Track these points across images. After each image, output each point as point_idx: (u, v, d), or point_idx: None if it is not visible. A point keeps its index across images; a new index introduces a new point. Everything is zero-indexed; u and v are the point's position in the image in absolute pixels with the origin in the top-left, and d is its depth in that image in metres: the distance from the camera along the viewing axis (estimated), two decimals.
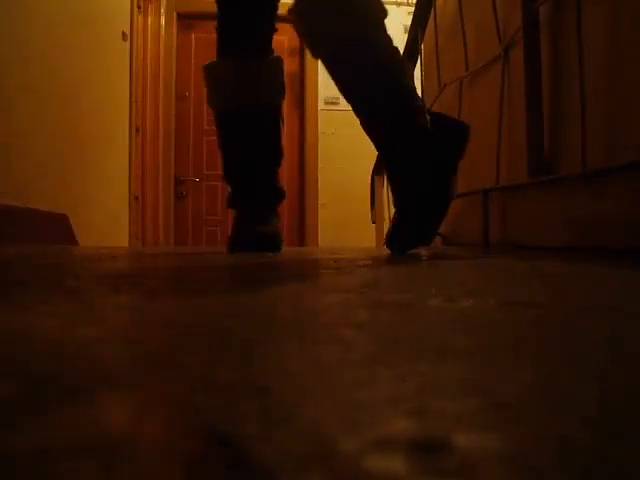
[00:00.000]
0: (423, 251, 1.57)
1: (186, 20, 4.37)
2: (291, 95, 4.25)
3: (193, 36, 4.40)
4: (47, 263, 1.03)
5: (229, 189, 1.59)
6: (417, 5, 2.41)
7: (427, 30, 2.40)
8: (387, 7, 1.36)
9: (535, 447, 0.16)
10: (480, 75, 1.94)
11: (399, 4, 4.12)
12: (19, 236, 1.95)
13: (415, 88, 1.39)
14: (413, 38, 2.44)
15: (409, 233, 1.35)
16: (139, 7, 3.86)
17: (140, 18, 3.90)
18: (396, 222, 1.36)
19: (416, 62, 2.49)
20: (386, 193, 2.96)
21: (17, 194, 2.05)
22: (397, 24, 1.42)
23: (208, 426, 0.17)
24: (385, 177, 2.95)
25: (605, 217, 1.25)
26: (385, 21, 1.33)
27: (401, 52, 1.42)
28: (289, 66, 1.60)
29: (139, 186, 3.88)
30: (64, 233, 2.40)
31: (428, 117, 1.33)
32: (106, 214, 3.11)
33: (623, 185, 1.20)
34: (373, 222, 3.04)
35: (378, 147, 1.39)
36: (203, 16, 4.32)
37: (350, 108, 1.39)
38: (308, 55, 4.59)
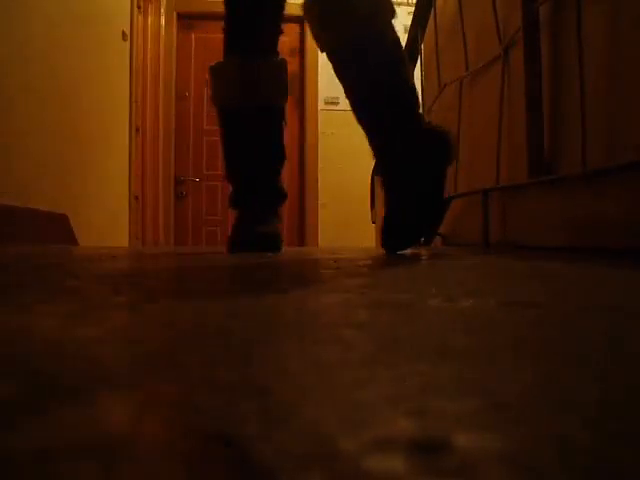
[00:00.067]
0: (423, 251, 1.57)
1: (186, 20, 4.37)
2: (291, 95, 4.26)
3: (193, 36, 4.40)
4: (47, 263, 1.03)
5: (231, 189, 1.59)
6: (417, 5, 2.41)
7: (427, 30, 2.40)
8: None
9: (535, 447, 0.16)
10: (480, 75, 1.94)
11: (399, 4, 4.11)
12: (19, 236, 1.95)
13: (415, 89, 1.40)
14: (413, 38, 2.44)
15: (410, 233, 1.35)
16: (139, 7, 3.86)
17: (140, 18, 3.90)
18: (393, 222, 1.36)
19: (416, 62, 2.50)
20: None
21: (17, 194, 2.05)
22: (397, 24, 1.43)
23: (208, 426, 0.17)
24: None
25: (605, 217, 1.25)
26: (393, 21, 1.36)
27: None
28: (289, 66, 1.60)
29: (139, 186, 3.88)
30: (64, 233, 2.40)
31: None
32: (106, 214, 3.11)
33: (623, 185, 1.20)
34: (373, 222, 3.04)
35: (378, 147, 1.39)
36: (203, 16, 4.33)
37: (350, 108, 1.39)
38: (308, 55, 4.59)
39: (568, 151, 1.41)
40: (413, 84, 1.41)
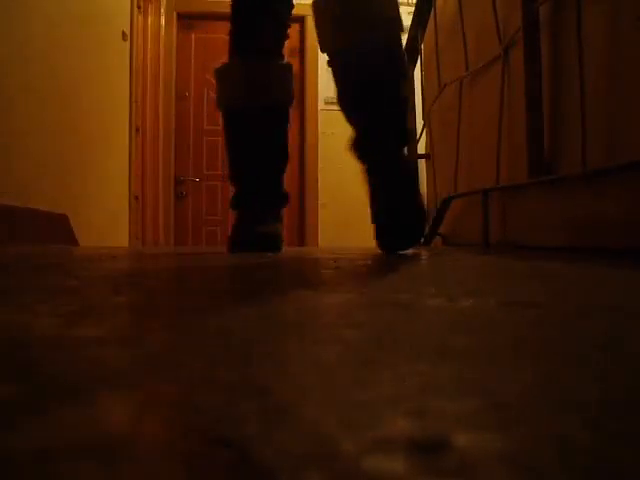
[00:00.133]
0: (423, 251, 1.57)
1: (186, 20, 4.37)
2: None
3: (193, 36, 4.40)
4: (47, 263, 1.03)
5: (233, 190, 1.59)
6: (417, 5, 2.41)
7: (427, 30, 2.40)
8: None
9: (535, 447, 0.16)
10: (480, 75, 1.94)
11: (399, 4, 4.11)
12: (19, 236, 1.95)
13: (407, 102, 1.45)
14: (413, 38, 2.44)
15: (410, 232, 1.36)
16: (139, 7, 3.86)
17: (140, 18, 3.90)
18: (388, 222, 1.38)
19: (416, 62, 2.50)
20: None
21: (17, 194, 2.05)
22: None
23: (208, 426, 0.17)
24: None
25: (605, 217, 1.25)
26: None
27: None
28: None
29: (139, 186, 3.88)
30: (64, 233, 2.40)
31: None
32: (106, 214, 3.11)
33: (623, 185, 1.20)
34: (373, 222, 3.03)
35: (366, 148, 1.41)
36: (203, 16, 4.33)
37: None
38: (308, 55, 4.59)
39: (568, 151, 1.41)
40: (407, 97, 1.46)
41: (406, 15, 2.79)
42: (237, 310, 0.43)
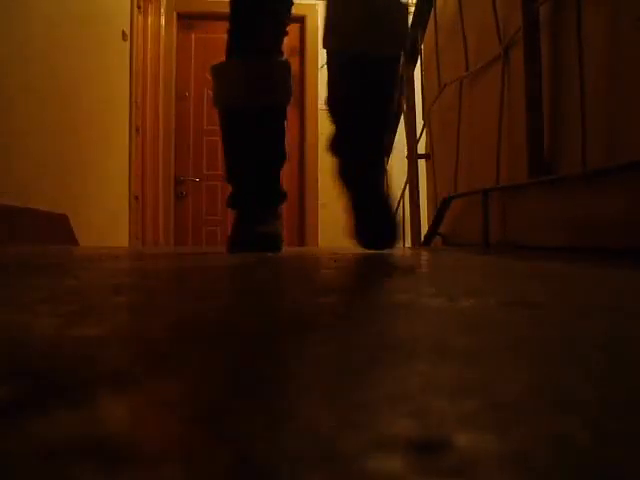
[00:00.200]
0: (423, 251, 1.57)
1: (186, 20, 4.37)
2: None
3: (193, 36, 4.40)
4: (47, 263, 1.03)
5: (230, 189, 1.59)
6: (417, 5, 2.41)
7: (427, 30, 2.40)
8: None
9: (535, 447, 0.16)
10: (480, 75, 1.94)
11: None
12: (19, 236, 1.95)
13: (395, 115, 1.49)
14: (413, 38, 2.44)
15: (392, 231, 1.40)
16: (139, 7, 3.86)
17: (140, 18, 3.90)
18: (372, 221, 1.41)
19: (416, 62, 2.50)
20: None
21: (17, 194, 2.05)
22: None
23: (208, 426, 0.17)
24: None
25: (605, 217, 1.25)
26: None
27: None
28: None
29: (139, 186, 3.88)
30: (64, 233, 2.40)
31: None
32: (106, 214, 3.11)
33: (623, 185, 1.20)
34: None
35: (347, 151, 1.45)
36: (203, 16, 4.32)
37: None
38: (308, 55, 4.59)
39: (568, 151, 1.41)
40: (394, 115, 1.50)
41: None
42: (236, 310, 0.43)
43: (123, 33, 3.43)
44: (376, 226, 1.41)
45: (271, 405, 0.19)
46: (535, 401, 0.20)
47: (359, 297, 0.51)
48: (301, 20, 4.18)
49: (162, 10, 4.23)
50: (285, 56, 1.57)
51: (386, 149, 1.50)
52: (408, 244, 2.55)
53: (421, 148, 2.51)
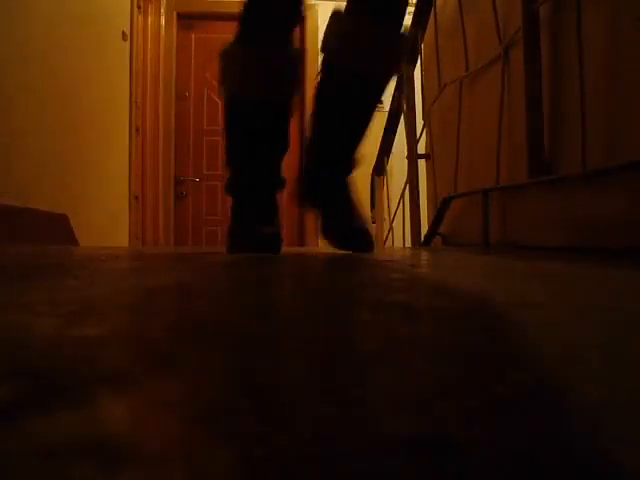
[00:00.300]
0: (423, 251, 1.57)
1: (186, 20, 4.37)
2: None
3: (193, 36, 4.40)
4: (47, 263, 1.03)
5: (228, 174, 1.56)
6: (417, 5, 2.41)
7: (427, 30, 2.40)
8: None
9: (536, 447, 0.16)
10: (480, 75, 1.94)
11: None
12: (19, 236, 1.95)
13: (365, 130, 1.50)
14: (413, 38, 2.44)
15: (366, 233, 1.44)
16: (139, 7, 3.86)
17: (140, 18, 3.90)
18: (348, 222, 1.44)
19: (416, 62, 2.50)
20: (386, 193, 2.96)
21: (17, 194, 2.05)
22: None
23: (208, 426, 0.17)
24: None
25: (605, 217, 1.25)
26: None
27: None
28: None
29: (139, 186, 3.88)
30: (64, 233, 2.40)
31: None
32: (106, 214, 3.11)
33: (623, 185, 1.20)
34: (373, 222, 3.04)
35: (322, 153, 1.48)
36: (203, 16, 4.32)
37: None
38: (308, 55, 4.58)
39: (568, 151, 1.41)
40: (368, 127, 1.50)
41: (406, 15, 2.79)
42: (236, 309, 0.43)
43: (123, 33, 3.43)
44: (347, 226, 1.43)
45: (271, 405, 0.19)
46: (535, 401, 0.20)
47: (359, 296, 0.51)
48: (301, 20, 4.18)
49: (162, 10, 4.23)
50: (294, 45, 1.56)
51: (354, 163, 1.52)
52: (408, 244, 2.55)
53: (421, 148, 2.51)
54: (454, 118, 2.12)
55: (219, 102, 4.85)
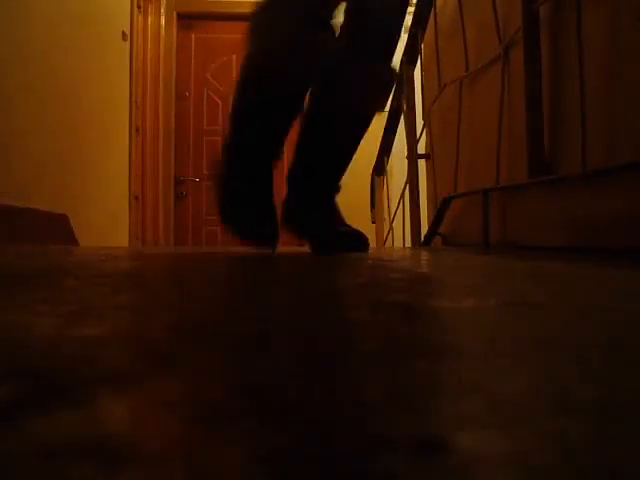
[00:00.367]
0: (423, 251, 1.57)
1: (186, 20, 4.37)
2: None
3: (193, 36, 4.40)
4: (47, 263, 1.03)
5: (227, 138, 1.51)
6: (417, 5, 2.41)
7: (427, 30, 2.40)
8: None
9: (535, 447, 0.16)
10: (480, 75, 1.94)
11: None
12: (19, 236, 1.95)
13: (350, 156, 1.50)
14: (413, 38, 2.44)
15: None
16: (139, 7, 3.86)
17: (140, 18, 3.90)
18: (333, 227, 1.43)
19: (416, 62, 2.50)
20: (386, 193, 2.96)
21: (17, 194, 2.05)
22: None
23: (208, 425, 0.17)
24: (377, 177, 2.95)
25: (605, 217, 1.25)
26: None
27: (400, 54, 1.51)
28: None
29: (139, 186, 3.88)
30: (64, 233, 2.40)
31: None
32: (106, 214, 3.11)
33: (623, 185, 1.20)
34: (373, 222, 3.04)
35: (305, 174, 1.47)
36: (203, 16, 4.32)
37: None
38: None
39: (568, 151, 1.41)
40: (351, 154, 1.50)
41: (406, 15, 2.79)
42: (236, 310, 0.43)
43: (123, 33, 3.43)
44: (339, 229, 1.42)
45: (271, 405, 0.19)
46: (535, 401, 0.20)
47: (359, 297, 0.51)
48: None
49: (162, 10, 4.23)
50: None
51: (337, 189, 1.52)
52: (408, 244, 2.56)
53: (421, 148, 2.51)
54: (454, 118, 2.12)
55: (219, 102, 4.84)
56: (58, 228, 2.36)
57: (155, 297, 0.53)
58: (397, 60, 1.61)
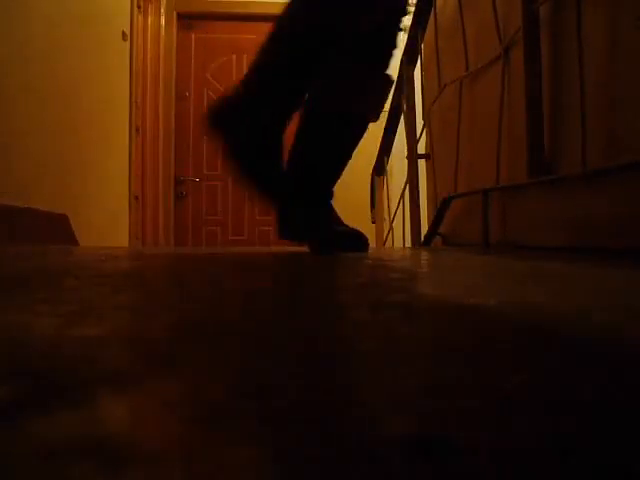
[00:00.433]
0: (423, 251, 1.57)
1: (186, 20, 4.37)
2: None
3: (193, 36, 4.40)
4: (47, 263, 1.03)
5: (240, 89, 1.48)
6: (417, 5, 2.41)
7: (427, 30, 2.40)
8: None
9: (535, 447, 0.16)
10: (480, 75, 1.94)
11: None
12: (19, 236, 1.95)
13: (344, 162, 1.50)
14: (413, 38, 2.44)
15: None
16: (139, 7, 3.86)
17: (140, 18, 3.90)
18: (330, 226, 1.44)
19: (416, 62, 2.50)
20: (386, 193, 2.96)
21: (17, 194, 2.05)
22: None
23: (208, 426, 0.17)
24: (381, 178, 2.95)
25: (605, 217, 1.25)
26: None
27: (400, 54, 1.49)
28: None
29: (139, 186, 3.88)
30: (64, 233, 2.40)
31: None
32: (106, 214, 3.11)
33: (623, 185, 1.20)
34: (373, 222, 3.04)
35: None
36: (203, 16, 4.32)
37: None
38: None
39: (568, 151, 1.41)
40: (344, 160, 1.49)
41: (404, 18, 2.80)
42: (236, 310, 0.43)
43: (123, 33, 3.43)
44: (338, 228, 1.44)
45: (271, 405, 0.19)
46: (535, 401, 0.20)
47: (359, 297, 0.51)
48: None
49: (162, 10, 4.23)
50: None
51: (331, 195, 1.52)
52: (408, 244, 2.56)
53: (421, 148, 2.51)
54: (454, 118, 2.12)
55: None
56: (58, 228, 2.36)
57: (155, 297, 0.53)
58: (397, 61, 1.59)
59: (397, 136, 2.81)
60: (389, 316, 0.39)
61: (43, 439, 0.16)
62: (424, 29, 2.41)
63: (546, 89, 1.50)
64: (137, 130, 3.78)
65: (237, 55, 4.33)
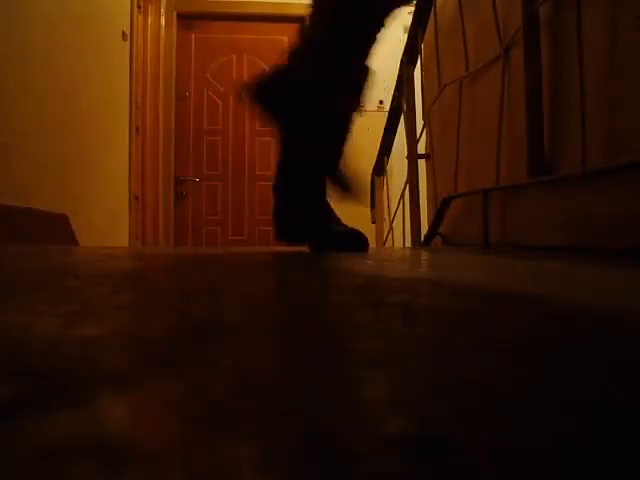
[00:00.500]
0: (423, 251, 1.57)
1: (186, 20, 4.37)
2: None
3: (193, 36, 4.40)
4: (47, 263, 1.03)
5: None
6: (417, 5, 2.41)
7: (427, 30, 2.40)
8: None
9: (535, 447, 0.16)
10: (480, 75, 1.94)
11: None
12: (19, 236, 1.95)
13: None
14: (413, 38, 2.44)
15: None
16: (139, 7, 3.86)
17: (140, 18, 3.90)
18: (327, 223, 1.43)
19: (416, 62, 2.50)
20: (386, 193, 2.96)
21: (17, 194, 2.05)
22: (397, 24, 1.43)
23: (208, 426, 0.17)
24: (382, 178, 2.95)
25: (605, 217, 1.25)
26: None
27: (400, 53, 1.47)
28: None
29: (139, 186, 3.88)
30: (64, 233, 2.40)
31: None
32: (106, 214, 3.11)
33: (623, 185, 1.20)
34: (373, 222, 3.04)
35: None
36: (203, 16, 4.33)
37: None
38: None
39: (568, 151, 1.41)
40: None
41: (406, 15, 2.80)
42: (236, 310, 0.43)
43: (123, 33, 3.43)
44: (338, 228, 1.42)
45: (271, 405, 0.19)
46: (535, 401, 0.20)
47: (359, 297, 0.51)
48: (301, 20, 4.18)
49: (162, 10, 4.23)
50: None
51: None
52: (408, 244, 2.56)
53: (421, 148, 2.51)
54: (454, 118, 2.12)
55: (219, 102, 4.85)
56: (58, 228, 2.36)
57: (155, 297, 0.53)
58: (397, 62, 1.58)
59: (397, 136, 2.80)
60: (389, 316, 0.39)
61: (43, 439, 0.16)
62: (424, 29, 2.41)
63: (546, 89, 1.50)
64: (137, 130, 3.78)
65: (237, 55, 4.33)
